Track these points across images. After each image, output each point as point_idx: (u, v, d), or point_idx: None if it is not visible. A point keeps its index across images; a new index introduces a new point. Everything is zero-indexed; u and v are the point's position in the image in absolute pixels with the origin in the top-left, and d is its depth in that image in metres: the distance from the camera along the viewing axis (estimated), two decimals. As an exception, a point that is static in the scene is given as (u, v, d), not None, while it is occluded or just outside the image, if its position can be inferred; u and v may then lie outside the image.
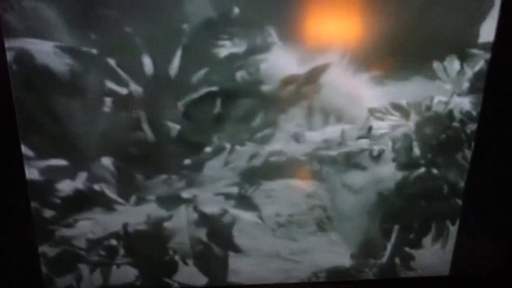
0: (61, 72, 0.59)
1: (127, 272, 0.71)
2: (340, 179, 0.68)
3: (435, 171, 0.69)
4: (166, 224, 0.68)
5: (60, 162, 0.63)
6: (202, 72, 0.61)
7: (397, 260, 0.74)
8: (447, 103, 0.65)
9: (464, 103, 0.65)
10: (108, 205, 0.66)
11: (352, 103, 0.64)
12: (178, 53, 0.59)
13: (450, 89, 0.64)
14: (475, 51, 0.63)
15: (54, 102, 0.60)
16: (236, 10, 0.58)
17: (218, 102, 0.62)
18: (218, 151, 0.64)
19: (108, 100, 0.61)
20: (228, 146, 0.64)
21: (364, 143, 0.66)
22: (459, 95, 0.65)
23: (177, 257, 0.70)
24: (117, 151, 0.63)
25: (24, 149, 0.62)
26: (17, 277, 0.69)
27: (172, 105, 0.62)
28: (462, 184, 0.70)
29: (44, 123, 0.61)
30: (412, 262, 0.74)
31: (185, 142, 0.64)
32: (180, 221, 0.68)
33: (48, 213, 0.66)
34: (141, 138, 0.63)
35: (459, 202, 0.71)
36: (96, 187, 0.65)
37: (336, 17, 0.60)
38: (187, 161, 0.65)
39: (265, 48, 0.60)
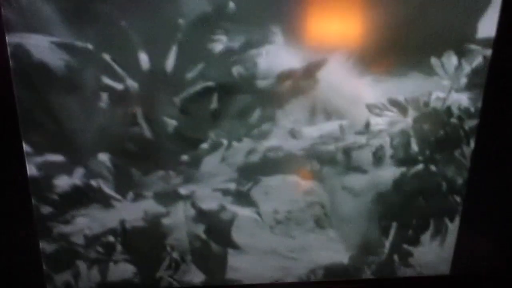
0: (57, 67, 0.59)
1: (125, 269, 0.71)
2: (338, 175, 0.68)
3: (433, 167, 0.68)
4: (164, 221, 0.68)
5: (57, 157, 0.63)
6: (198, 67, 0.60)
7: (395, 257, 0.74)
8: (445, 99, 0.65)
9: (462, 99, 0.65)
10: (105, 202, 0.66)
11: (350, 99, 0.64)
12: (174, 48, 0.59)
13: (448, 85, 0.64)
14: (473, 46, 0.63)
15: (51, 98, 0.60)
16: (232, 4, 0.58)
17: (215, 97, 0.62)
18: (215, 147, 0.64)
19: (104, 96, 0.61)
20: (225, 142, 0.64)
21: (361, 139, 0.66)
22: (457, 91, 0.64)
23: (174, 254, 0.70)
24: (113, 147, 0.63)
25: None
26: (18, 275, 0.69)
27: (168, 101, 0.62)
28: (460, 181, 0.69)
29: (40, 118, 0.61)
30: (410, 259, 0.74)
31: (182, 138, 0.63)
32: (178, 217, 0.68)
33: (46, 210, 0.66)
34: (138, 134, 0.63)
35: (458, 199, 0.70)
36: (93, 183, 0.65)
37: (334, 13, 0.60)
38: (184, 157, 0.64)
39: (262, 43, 0.60)
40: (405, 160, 0.67)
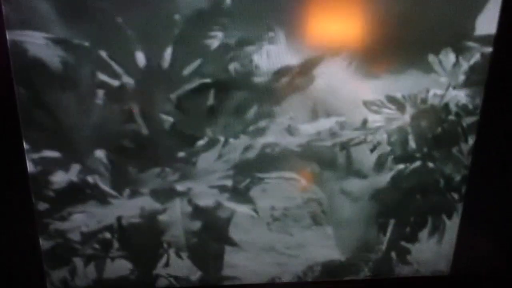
0: (53, 64, 0.59)
1: (121, 266, 0.71)
2: (335, 173, 0.68)
3: (431, 164, 0.68)
4: (160, 217, 0.68)
5: (53, 154, 0.63)
6: (195, 63, 0.60)
7: (393, 254, 0.74)
8: (442, 96, 0.64)
9: (460, 96, 0.65)
10: (102, 198, 0.66)
11: (347, 96, 0.64)
12: (170, 45, 0.59)
13: (445, 82, 0.64)
14: (470, 44, 0.62)
15: (47, 94, 0.60)
16: (228, 0, 0.57)
17: (211, 94, 0.62)
18: (212, 143, 0.64)
19: (100, 92, 0.61)
20: (221, 138, 0.64)
21: (359, 136, 0.65)
22: (454, 88, 0.64)
23: (171, 251, 0.70)
24: (110, 144, 0.63)
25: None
26: (18, 273, 0.69)
27: (165, 97, 0.61)
28: (458, 178, 0.69)
29: (36, 115, 0.61)
30: (408, 256, 0.74)
31: (178, 135, 0.63)
32: (175, 214, 0.68)
33: (42, 206, 0.66)
34: (134, 131, 0.63)
35: (455, 196, 0.70)
36: (90, 179, 0.65)
37: (331, 9, 0.60)
38: (180, 154, 0.64)
39: (259, 39, 0.59)
40: (403, 157, 0.67)
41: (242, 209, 0.68)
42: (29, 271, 0.70)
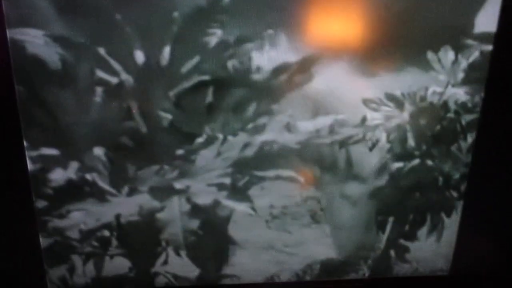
0: (51, 61, 0.59)
1: (120, 264, 0.71)
2: (334, 170, 0.67)
3: (430, 162, 0.68)
4: (159, 215, 0.68)
5: (52, 151, 0.63)
6: (193, 61, 0.60)
7: (392, 252, 0.74)
8: (441, 94, 0.64)
9: (459, 94, 0.65)
10: (100, 196, 0.66)
11: (346, 93, 0.64)
12: (169, 42, 0.59)
13: (444, 80, 0.64)
14: (470, 41, 0.62)
15: (45, 92, 0.60)
16: (227, -3, 0.57)
17: (210, 91, 0.62)
18: (210, 141, 0.64)
19: (99, 90, 0.61)
20: (220, 136, 0.64)
21: (358, 134, 0.65)
22: (453, 86, 0.64)
23: (170, 249, 0.70)
24: (108, 141, 0.63)
25: (15, 139, 0.62)
26: (19, 271, 0.69)
27: (163, 95, 0.61)
28: (457, 175, 0.69)
29: (35, 112, 0.61)
30: (407, 255, 0.74)
31: (177, 132, 0.63)
32: (173, 212, 0.68)
33: (41, 204, 0.66)
34: (133, 128, 0.63)
35: (454, 194, 0.70)
36: (88, 177, 0.65)
37: (330, 7, 0.60)
38: (179, 152, 0.64)
39: (257, 36, 0.59)
40: (402, 155, 0.67)
41: (240, 208, 0.68)
42: (29, 269, 0.70)
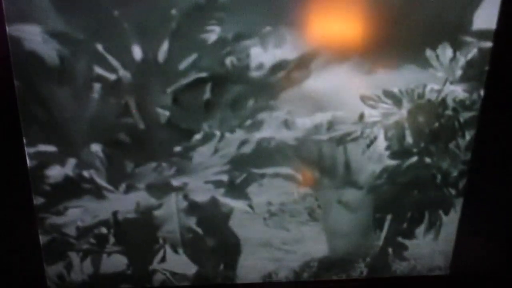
0: (49, 57, 0.59)
1: (117, 261, 0.71)
2: (332, 167, 0.67)
3: (428, 159, 0.68)
4: (156, 213, 0.68)
5: (49, 148, 0.63)
6: (191, 58, 0.60)
7: (390, 250, 0.73)
8: (440, 91, 0.64)
9: (457, 91, 0.65)
10: (97, 193, 0.66)
11: (344, 90, 0.63)
12: (167, 39, 0.59)
13: (443, 77, 0.64)
14: (468, 38, 0.62)
15: (43, 88, 0.60)
16: (225, -6, 0.57)
17: (208, 88, 0.61)
18: (208, 138, 0.64)
19: (97, 86, 0.60)
20: (217, 133, 0.64)
21: (355, 131, 0.65)
22: (452, 83, 0.64)
23: (167, 246, 0.70)
24: (106, 138, 0.63)
25: (13, 135, 0.62)
26: (18, 269, 0.69)
27: (161, 91, 0.61)
28: (455, 173, 0.69)
29: (33, 108, 0.61)
30: (405, 252, 0.74)
31: (174, 129, 0.63)
32: (170, 209, 0.67)
33: (38, 200, 0.65)
34: (131, 125, 0.62)
35: (452, 191, 0.70)
36: (86, 174, 0.64)
37: (329, 4, 0.59)
38: (177, 148, 0.64)
39: (255, 33, 0.59)
40: (400, 152, 0.67)
41: (238, 205, 0.68)
42: (28, 266, 0.70)
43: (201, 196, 0.67)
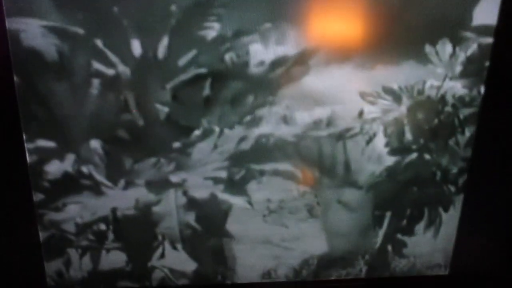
0: (48, 52, 0.59)
1: (116, 258, 0.70)
2: (331, 164, 0.67)
3: (427, 156, 0.68)
4: (155, 209, 0.68)
5: (48, 144, 0.63)
6: (190, 54, 0.60)
7: (389, 247, 0.73)
8: (439, 88, 0.64)
9: (457, 88, 0.64)
10: (96, 189, 0.65)
11: (343, 87, 0.63)
12: (167, 35, 0.59)
13: (442, 73, 0.63)
14: (468, 34, 0.62)
15: (42, 83, 0.60)
16: (225, -10, 0.57)
17: (207, 84, 0.61)
18: (207, 134, 0.64)
19: (95, 82, 0.60)
20: (217, 129, 0.63)
21: (355, 127, 0.65)
22: (451, 79, 0.64)
23: (166, 242, 0.70)
24: (105, 134, 0.63)
25: (12, 131, 0.62)
26: (18, 266, 0.69)
27: (160, 87, 0.61)
28: (454, 170, 0.69)
29: (31, 104, 0.61)
30: (404, 250, 0.74)
31: (173, 125, 0.63)
32: (169, 205, 0.67)
33: (37, 197, 0.65)
34: (130, 121, 0.62)
35: (452, 188, 0.70)
36: (85, 169, 0.64)
37: (327, 0, 0.59)
38: (176, 144, 0.64)
39: (255, 29, 0.59)
40: (399, 148, 0.67)
41: (237, 201, 0.68)
42: (28, 263, 0.70)
43: (200, 192, 0.67)
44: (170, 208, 0.67)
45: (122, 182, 0.65)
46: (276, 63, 0.61)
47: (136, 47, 0.59)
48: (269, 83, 0.62)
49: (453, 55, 0.62)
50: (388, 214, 0.71)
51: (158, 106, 0.62)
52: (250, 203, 0.68)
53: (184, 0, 0.57)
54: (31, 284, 0.71)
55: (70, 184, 0.65)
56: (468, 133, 0.67)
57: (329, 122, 0.64)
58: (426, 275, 0.76)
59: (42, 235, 0.68)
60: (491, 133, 0.67)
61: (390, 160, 0.67)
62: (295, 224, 0.71)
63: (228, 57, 0.60)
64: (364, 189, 0.69)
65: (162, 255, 0.71)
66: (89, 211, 0.67)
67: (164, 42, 0.59)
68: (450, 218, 0.72)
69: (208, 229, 0.69)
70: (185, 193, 0.67)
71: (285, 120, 0.64)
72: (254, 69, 0.61)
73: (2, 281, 0.69)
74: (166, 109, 0.62)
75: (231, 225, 0.70)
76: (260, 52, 0.61)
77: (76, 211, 0.67)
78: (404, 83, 0.64)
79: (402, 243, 0.73)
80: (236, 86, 0.62)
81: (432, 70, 0.63)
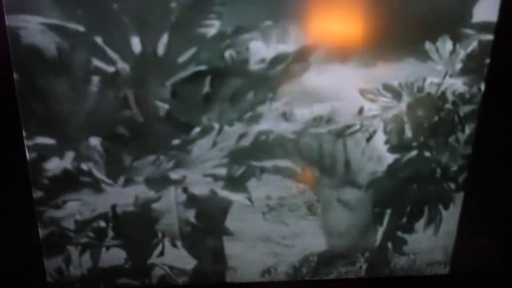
0: (48, 49, 0.59)
1: (116, 255, 0.70)
2: (331, 162, 0.67)
3: (427, 153, 0.68)
4: (155, 206, 0.67)
5: (48, 141, 0.63)
6: (190, 51, 0.60)
7: (389, 244, 0.73)
8: (439, 85, 0.64)
9: (457, 85, 0.64)
10: (96, 186, 0.65)
11: (343, 84, 0.63)
12: (166, 32, 0.58)
13: (442, 70, 0.63)
14: (468, 31, 0.62)
15: (41, 80, 0.60)
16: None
17: (207, 81, 0.61)
18: (207, 131, 0.64)
19: (95, 79, 0.60)
20: (216, 126, 0.63)
21: (355, 125, 0.65)
22: (451, 76, 0.64)
23: (166, 240, 0.70)
24: (104, 131, 0.63)
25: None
26: (18, 264, 0.69)
27: (160, 84, 0.61)
28: (454, 167, 0.69)
29: (31, 101, 0.61)
30: (404, 247, 0.73)
31: (173, 122, 0.63)
32: (169, 202, 0.67)
33: (36, 194, 0.65)
34: (129, 118, 0.62)
35: (452, 185, 0.70)
36: (84, 167, 0.64)
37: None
38: (175, 141, 0.64)
39: (254, 27, 0.59)
40: (399, 146, 0.67)
41: (237, 198, 0.68)
42: (28, 261, 0.70)
43: (200, 189, 0.67)
44: (170, 205, 0.67)
45: (121, 179, 0.65)
46: (276, 60, 0.61)
47: (136, 44, 0.59)
48: (269, 80, 0.62)
49: (453, 52, 0.62)
50: (388, 212, 0.71)
51: (158, 103, 0.62)
52: (250, 199, 0.68)
53: (184, -4, 0.57)
54: (31, 281, 0.71)
55: (70, 181, 0.65)
56: (468, 130, 0.67)
57: (329, 119, 0.64)
58: (426, 274, 0.75)
59: (41, 232, 0.68)
60: (491, 130, 0.66)
61: (390, 158, 0.67)
62: (295, 222, 0.71)
63: (228, 54, 0.60)
64: (363, 186, 0.69)
65: (162, 253, 0.70)
66: (88, 208, 0.67)
67: (164, 39, 0.59)
68: (450, 216, 0.72)
69: (208, 226, 0.69)
70: (185, 190, 0.67)
71: (285, 117, 0.64)
72: (254, 66, 0.61)
73: (2, 278, 0.69)
74: (166, 106, 0.62)
75: (231, 223, 0.69)
76: (260, 49, 0.61)
77: (75, 208, 0.67)
78: (404, 80, 0.64)
79: (402, 241, 0.73)
80: (236, 83, 0.62)
81: (432, 67, 0.63)
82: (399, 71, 0.63)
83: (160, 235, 0.69)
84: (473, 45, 0.62)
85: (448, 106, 0.65)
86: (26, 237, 0.68)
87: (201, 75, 0.61)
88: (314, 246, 0.72)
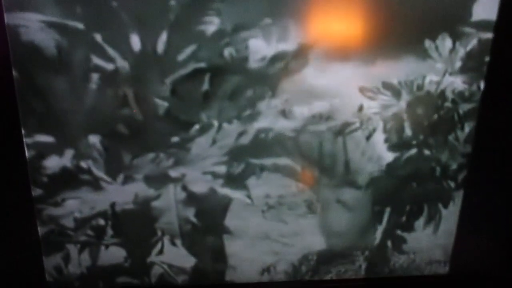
0: (47, 47, 0.59)
1: (115, 253, 0.70)
2: (331, 160, 0.67)
3: (426, 152, 0.67)
4: (154, 204, 0.67)
5: (47, 139, 0.63)
6: (190, 48, 0.60)
7: (389, 243, 0.73)
8: (439, 83, 0.64)
9: (457, 83, 0.64)
10: (95, 184, 0.65)
11: (343, 82, 0.63)
12: (166, 30, 0.58)
13: (442, 68, 0.63)
14: (467, 29, 0.62)
15: (40, 78, 0.60)
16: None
17: (206, 79, 0.61)
18: (206, 129, 0.64)
19: (95, 77, 0.60)
20: (216, 123, 0.63)
21: (354, 123, 0.65)
22: (451, 74, 0.64)
23: (165, 238, 0.70)
24: (104, 129, 0.63)
25: (10, 125, 0.62)
26: (18, 264, 0.69)
27: (159, 82, 0.61)
28: (454, 165, 0.69)
29: (30, 99, 0.61)
30: (404, 245, 0.73)
31: (173, 120, 0.63)
32: (168, 200, 0.67)
33: (36, 192, 0.65)
34: (129, 116, 0.62)
35: (452, 184, 0.70)
36: (83, 164, 0.64)
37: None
38: (175, 139, 0.64)
39: (254, 24, 0.59)
40: (399, 144, 0.67)
41: (236, 195, 0.68)
42: (27, 259, 0.69)
43: (199, 187, 0.67)
44: (169, 203, 0.67)
45: (121, 177, 0.65)
46: (276, 58, 0.61)
47: (136, 42, 0.59)
48: (268, 78, 0.62)
49: (452, 50, 0.62)
50: (388, 210, 0.71)
51: (157, 100, 0.62)
52: (249, 197, 0.68)
53: (184, -6, 0.57)
54: (30, 279, 0.71)
55: (69, 179, 0.65)
56: (467, 128, 0.67)
57: (329, 117, 0.64)
58: (426, 274, 0.75)
59: (41, 230, 0.68)
60: (490, 128, 0.66)
61: (389, 156, 0.67)
62: (295, 220, 0.70)
63: (227, 52, 0.60)
64: (363, 185, 0.69)
65: (161, 251, 0.70)
66: (88, 206, 0.67)
67: (163, 37, 0.59)
68: (450, 214, 0.72)
69: (207, 224, 0.69)
70: (184, 188, 0.66)
71: (284, 114, 0.64)
72: (253, 64, 0.61)
73: (1, 276, 0.69)
74: (165, 104, 0.62)
75: (230, 221, 0.69)
76: (260, 47, 0.61)
77: (75, 206, 0.67)
78: (404, 78, 0.64)
79: (401, 239, 0.73)
80: (235, 81, 0.62)
81: (432, 65, 0.63)
82: (399, 69, 0.63)
83: (159, 233, 0.69)
84: (473, 43, 0.62)
85: (448, 104, 0.65)
86: (25, 235, 0.68)
87: (201, 73, 0.61)
88: (313, 244, 0.72)
